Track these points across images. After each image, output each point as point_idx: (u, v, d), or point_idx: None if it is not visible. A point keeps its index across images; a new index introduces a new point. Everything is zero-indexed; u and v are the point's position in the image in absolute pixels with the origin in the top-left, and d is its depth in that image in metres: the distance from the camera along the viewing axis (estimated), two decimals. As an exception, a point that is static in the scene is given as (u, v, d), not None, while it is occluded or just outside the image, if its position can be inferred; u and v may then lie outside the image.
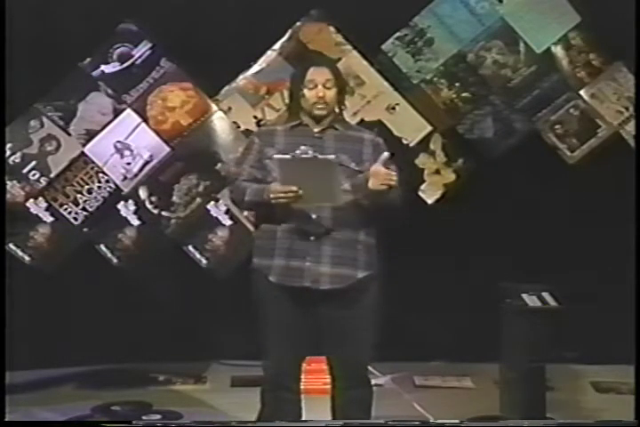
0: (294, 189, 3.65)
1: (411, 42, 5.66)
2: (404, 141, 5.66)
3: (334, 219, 3.77)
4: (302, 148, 3.77)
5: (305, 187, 3.64)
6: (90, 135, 5.58)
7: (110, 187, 5.59)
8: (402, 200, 3.88)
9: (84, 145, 5.58)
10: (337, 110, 3.93)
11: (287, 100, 4.03)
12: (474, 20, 5.66)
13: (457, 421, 3.85)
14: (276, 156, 3.70)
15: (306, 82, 3.86)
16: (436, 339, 5.63)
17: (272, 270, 3.82)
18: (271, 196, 3.72)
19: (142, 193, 5.62)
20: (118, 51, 5.55)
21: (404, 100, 5.66)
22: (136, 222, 5.63)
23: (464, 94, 5.71)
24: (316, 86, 3.84)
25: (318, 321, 3.85)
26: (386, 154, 3.73)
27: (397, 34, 5.65)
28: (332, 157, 3.66)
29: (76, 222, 5.58)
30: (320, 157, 3.68)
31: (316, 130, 3.87)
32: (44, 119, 5.54)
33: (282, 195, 3.69)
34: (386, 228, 3.93)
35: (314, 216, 3.78)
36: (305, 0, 5.60)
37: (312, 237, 3.77)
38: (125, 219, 5.63)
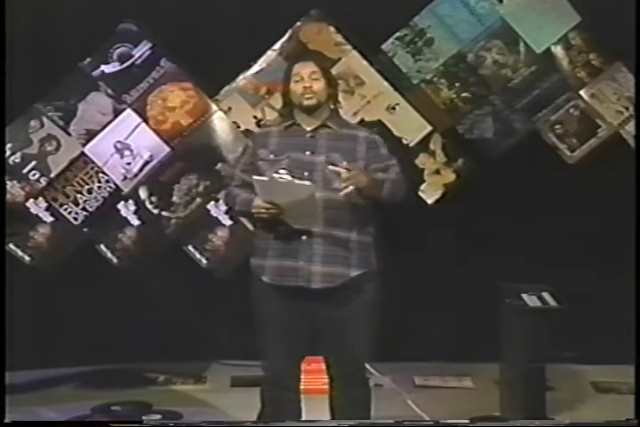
0: (273, 206, 3.70)
1: (411, 42, 5.66)
2: (404, 141, 5.65)
3: (326, 218, 3.77)
4: (281, 171, 3.75)
5: (283, 206, 3.70)
6: (90, 135, 5.58)
7: (110, 187, 5.59)
8: (400, 193, 3.88)
9: (84, 145, 5.58)
10: (331, 106, 3.94)
11: (282, 103, 4.05)
12: (474, 20, 5.65)
13: (457, 421, 3.84)
14: (254, 177, 3.75)
15: (292, 77, 3.89)
16: (435, 339, 5.63)
17: (265, 270, 3.84)
18: (253, 211, 3.78)
19: (142, 193, 5.62)
20: (118, 51, 5.55)
21: (403, 100, 5.66)
22: (136, 222, 5.63)
23: (464, 94, 5.71)
24: (302, 79, 3.87)
25: (314, 320, 3.85)
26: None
27: (397, 34, 5.65)
28: (309, 183, 3.68)
29: (75, 222, 5.58)
30: (297, 182, 3.68)
31: (308, 129, 3.88)
32: (44, 119, 5.54)
33: (263, 210, 3.74)
34: (385, 227, 3.93)
35: None
36: (305, 0, 5.60)
37: (304, 237, 3.77)
38: (125, 219, 5.63)
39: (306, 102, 3.85)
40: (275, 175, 3.71)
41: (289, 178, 3.69)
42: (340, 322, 3.83)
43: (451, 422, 3.63)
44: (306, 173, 3.80)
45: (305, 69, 3.88)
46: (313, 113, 3.88)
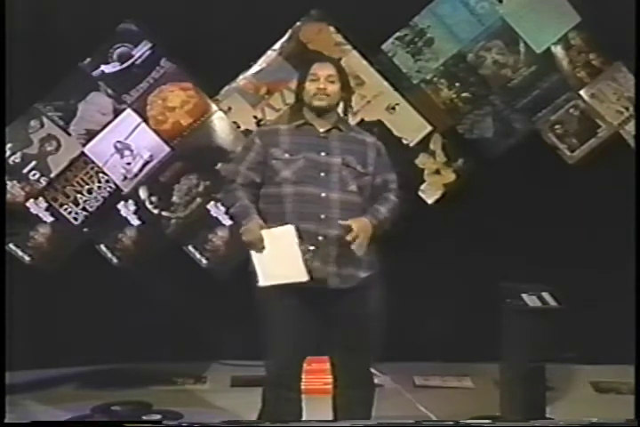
0: (258, 247, 3.73)
1: (411, 42, 5.66)
2: (404, 141, 5.65)
3: (342, 220, 3.76)
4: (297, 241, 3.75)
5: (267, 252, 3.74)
6: (90, 135, 5.57)
7: (110, 187, 5.59)
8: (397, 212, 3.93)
9: (84, 145, 5.58)
10: (341, 111, 3.95)
11: (291, 100, 4.04)
12: (474, 20, 5.65)
13: (457, 421, 3.84)
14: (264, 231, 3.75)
15: (308, 76, 3.89)
16: (435, 339, 5.63)
17: None
18: (241, 230, 3.79)
19: (142, 193, 5.61)
20: (118, 51, 5.55)
21: (403, 100, 5.66)
22: (136, 222, 5.62)
23: (464, 94, 5.71)
24: (318, 79, 3.87)
25: (322, 321, 3.85)
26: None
27: (397, 34, 5.65)
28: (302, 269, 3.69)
29: (76, 222, 5.58)
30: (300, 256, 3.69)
31: (321, 130, 3.89)
32: (44, 119, 5.54)
33: (250, 239, 3.75)
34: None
35: (322, 217, 3.78)
36: (305, 0, 5.60)
37: (320, 238, 3.77)
38: (125, 219, 5.62)
39: (316, 103, 3.86)
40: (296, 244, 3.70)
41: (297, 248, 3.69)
42: (348, 322, 3.85)
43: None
44: (322, 174, 3.80)
45: (322, 71, 3.89)
46: (323, 115, 3.88)
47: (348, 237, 3.71)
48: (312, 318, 3.83)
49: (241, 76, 5.63)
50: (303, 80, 3.91)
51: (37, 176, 5.55)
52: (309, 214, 3.78)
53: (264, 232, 3.73)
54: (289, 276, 3.70)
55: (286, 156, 3.84)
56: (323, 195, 3.78)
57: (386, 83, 5.66)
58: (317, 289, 3.77)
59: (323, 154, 3.83)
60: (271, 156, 3.86)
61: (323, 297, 3.79)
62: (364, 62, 5.63)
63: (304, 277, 3.69)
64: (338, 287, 3.80)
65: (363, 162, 3.87)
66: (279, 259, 3.70)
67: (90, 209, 5.58)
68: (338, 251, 3.78)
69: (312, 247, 3.75)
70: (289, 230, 3.69)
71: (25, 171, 5.54)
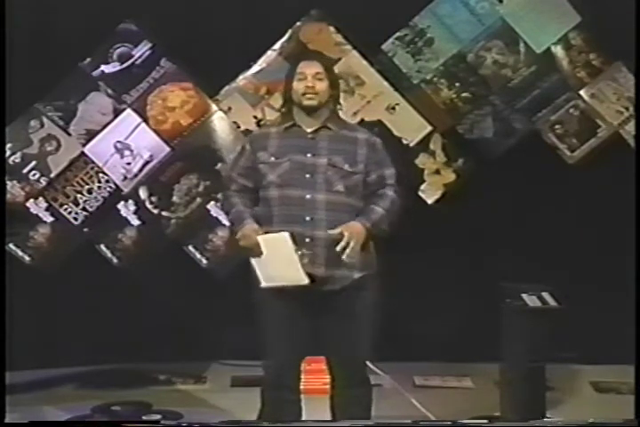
0: (256, 252, 3.74)
1: (411, 42, 5.66)
2: (404, 141, 5.65)
3: (329, 221, 3.76)
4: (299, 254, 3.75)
5: (263, 257, 3.75)
6: (90, 135, 5.58)
7: (110, 187, 5.59)
8: (398, 209, 3.91)
9: (84, 145, 5.58)
10: (332, 107, 3.92)
11: (282, 101, 4.03)
12: (474, 20, 5.65)
13: (457, 421, 3.84)
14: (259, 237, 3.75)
15: (296, 75, 3.88)
16: (435, 339, 5.63)
17: None
18: (237, 236, 3.81)
19: (142, 193, 5.62)
20: (118, 51, 5.55)
21: (403, 100, 5.66)
22: (136, 222, 5.63)
23: (464, 94, 5.71)
24: (305, 78, 3.85)
25: (317, 321, 3.85)
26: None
27: (397, 34, 5.65)
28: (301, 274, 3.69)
29: (76, 222, 5.58)
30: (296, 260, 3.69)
31: (309, 130, 3.87)
32: (44, 119, 5.54)
33: (244, 244, 3.77)
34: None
35: (308, 218, 3.78)
36: (305, 0, 5.60)
37: (307, 240, 3.77)
38: (125, 219, 5.62)
39: (306, 102, 3.84)
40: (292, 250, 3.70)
41: (294, 254, 3.69)
42: (342, 323, 3.84)
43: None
44: (307, 176, 3.80)
45: (309, 69, 3.86)
46: (313, 113, 3.87)
47: (338, 248, 3.70)
48: (307, 319, 3.83)
49: (241, 76, 5.63)
50: (291, 79, 3.89)
51: (37, 176, 5.55)
52: (295, 217, 3.77)
53: (259, 238, 3.75)
54: (289, 279, 3.71)
55: (272, 159, 3.84)
56: (307, 197, 3.78)
57: (386, 83, 5.66)
58: (309, 290, 3.75)
59: (309, 155, 3.82)
60: (258, 160, 3.87)
61: (316, 298, 3.78)
62: (364, 62, 5.63)
63: (304, 281, 3.70)
64: (329, 288, 3.79)
65: (351, 161, 3.83)
66: (277, 263, 3.71)
67: (90, 209, 5.58)
68: (326, 252, 3.76)
69: (307, 251, 3.74)
70: (284, 237, 3.69)
71: (25, 171, 5.54)
